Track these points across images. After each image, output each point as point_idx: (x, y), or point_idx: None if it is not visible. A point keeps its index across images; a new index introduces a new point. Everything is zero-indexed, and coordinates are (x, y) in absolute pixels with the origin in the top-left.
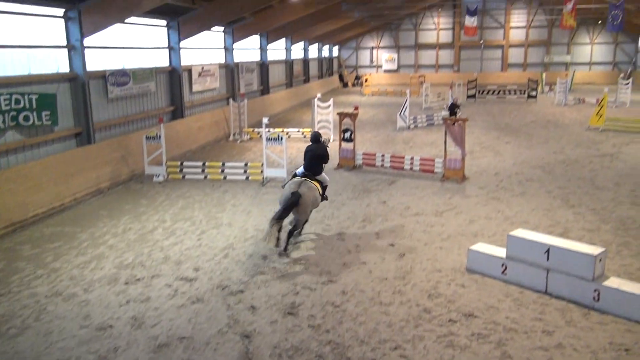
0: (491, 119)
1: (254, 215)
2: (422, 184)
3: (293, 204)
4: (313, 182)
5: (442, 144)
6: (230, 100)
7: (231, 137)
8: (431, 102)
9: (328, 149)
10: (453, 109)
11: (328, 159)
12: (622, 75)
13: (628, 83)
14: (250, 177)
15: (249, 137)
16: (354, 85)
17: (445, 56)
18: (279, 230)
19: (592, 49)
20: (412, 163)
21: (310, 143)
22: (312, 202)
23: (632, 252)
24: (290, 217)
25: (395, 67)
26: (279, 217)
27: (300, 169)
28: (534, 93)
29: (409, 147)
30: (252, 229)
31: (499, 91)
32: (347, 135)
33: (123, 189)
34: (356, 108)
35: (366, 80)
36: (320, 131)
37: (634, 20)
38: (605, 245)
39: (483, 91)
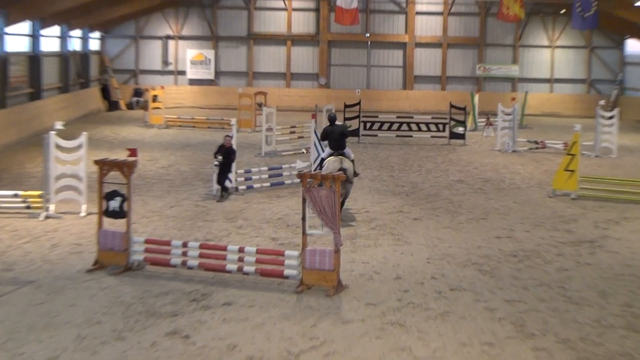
0: (388, 176)
1: None
2: (263, 298)
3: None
4: (345, 158)
5: (299, 222)
6: None
7: None
8: (279, 142)
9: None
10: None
11: (350, 133)
12: (602, 102)
13: (613, 117)
14: None
15: None
16: (130, 106)
17: (304, 59)
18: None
19: (553, 57)
20: (241, 259)
21: (329, 124)
22: (351, 176)
23: None
24: None
25: (210, 74)
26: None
27: (327, 151)
28: (460, 130)
29: (235, 227)
30: None
31: (401, 125)
32: (115, 204)
33: None
34: (133, 152)
35: (154, 99)
36: (65, 196)
37: (615, 12)
38: None
39: (372, 124)
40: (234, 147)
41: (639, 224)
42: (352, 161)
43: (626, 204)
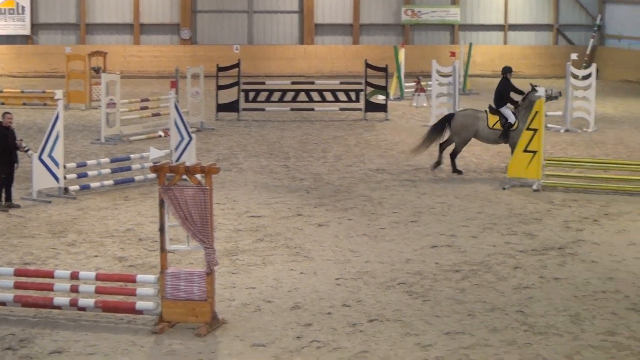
0: (281, 166)
1: None
2: (107, 342)
3: (443, 121)
4: (487, 113)
5: (156, 235)
6: None
7: None
8: (125, 123)
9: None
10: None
11: (500, 94)
12: (575, 56)
13: (589, 76)
14: None
15: None
16: None
17: (159, 4)
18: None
19: None
20: (75, 290)
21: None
22: (463, 128)
23: None
24: None
25: (24, 29)
26: (429, 136)
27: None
28: (380, 99)
29: (66, 244)
30: None
31: (297, 94)
32: None
33: None
34: None
35: None
36: None
37: None
38: None
39: (257, 94)
40: (15, 131)
41: (626, 221)
42: (507, 123)
43: (608, 195)
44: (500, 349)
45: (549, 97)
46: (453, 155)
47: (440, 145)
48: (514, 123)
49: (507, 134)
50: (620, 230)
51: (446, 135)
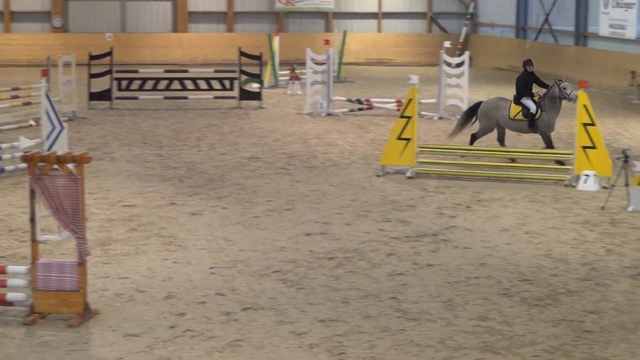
0: (154, 155)
1: None
2: None
3: (473, 108)
4: (509, 102)
5: (27, 225)
6: None
7: None
8: None
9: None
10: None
11: (518, 86)
12: (448, 44)
13: (462, 63)
14: None
15: None
16: None
17: None
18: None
19: None
20: None
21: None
22: (483, 116)
23: None
24: None
25: None
26: (460, 122)
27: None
28: (254, 87)
29: None
30: None
31: (171, 82)
32: None
33: None
34: None
35: None
36: None
37: None
38: None
39: (130, 82)
40: None
41: (497, 207)
42: (528, 111)
43: (481, 181)
44: (374, 335)
45: (565, 95)
46: (472, 139)
47: (472, 135)
48: (536, 112)
49: (532, 124)
50: (492, 216)
51: (476, 122)
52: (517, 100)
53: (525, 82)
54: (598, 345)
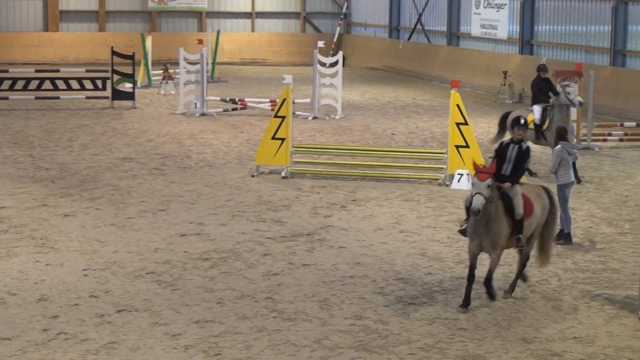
0: (25, 156)
1: None
2: None
3: (501, 119)
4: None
5: None
6: None
7: None
8: None
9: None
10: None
11: (533, 92)
12: (322, 44)
13: (336, 63)
14: None
15: None
16: None
17: None
18: None
19: None
20: None
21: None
22: (507, 123)
23: None
24: None
25: None
26: (499, 127)
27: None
28: (127, 87)
29: None
30: None
31: (42, 82)
32: None
33: None
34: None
35: None
36: None
37: None
38: None
39: (1, 82)
40: None
41: (372, 207)
42: None
43: (356, 181)
44: (249, 336)
45: (569, 100)
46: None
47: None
48: (540, 123)
49: (540, 133)
50: (367, 215)
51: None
52: (531, 106)
53: (539, 87)
54: (472, 342)
